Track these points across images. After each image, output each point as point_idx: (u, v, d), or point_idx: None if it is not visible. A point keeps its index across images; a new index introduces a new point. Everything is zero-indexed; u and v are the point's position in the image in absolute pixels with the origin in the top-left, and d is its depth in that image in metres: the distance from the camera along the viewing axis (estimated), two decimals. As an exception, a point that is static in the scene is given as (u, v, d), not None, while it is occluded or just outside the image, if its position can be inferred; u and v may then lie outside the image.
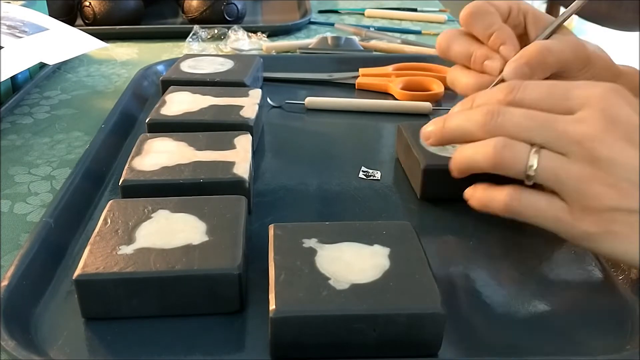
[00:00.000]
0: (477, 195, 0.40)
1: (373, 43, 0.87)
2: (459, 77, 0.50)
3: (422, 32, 0.96)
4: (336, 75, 0.70)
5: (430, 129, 0.42)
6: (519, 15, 0.50)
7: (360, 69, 0.70)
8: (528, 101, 0.38)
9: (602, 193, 0.35)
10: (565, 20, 0.49)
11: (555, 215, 0.37)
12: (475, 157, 0.38)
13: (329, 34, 0.82)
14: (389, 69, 0.70)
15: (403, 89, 0.66)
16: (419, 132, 0.50)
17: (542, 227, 0.38)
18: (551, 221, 0.37)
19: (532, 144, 0.37)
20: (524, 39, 0.50)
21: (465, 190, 0.41)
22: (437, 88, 0.65)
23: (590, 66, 0.47)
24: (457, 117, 0.40)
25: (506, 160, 0.37)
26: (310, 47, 0.82)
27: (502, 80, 0.45)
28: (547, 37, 0.48)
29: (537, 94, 0.38)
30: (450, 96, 0.66)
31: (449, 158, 0.45)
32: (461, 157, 0.40)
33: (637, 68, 0.62)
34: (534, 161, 0.36)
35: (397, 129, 0.52)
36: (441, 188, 0.46)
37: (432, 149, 0.47)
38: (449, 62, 0.72)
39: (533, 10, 0.51)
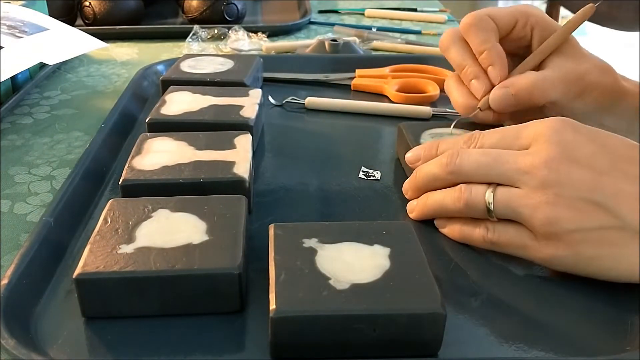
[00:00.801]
0: (453, 226, 0.42)
1: (374, 44, 0.87)
2: (452, 91, 0.53)
3: (422, 32, 0.96)
4: (332, 76, 0.70)
5: (407, 184, 0.46)
6: (526, 27, 0.51)
7: (357, 70, 0.70)
8: (487, 146, 0.41)
9: (557, 216, 0.36)
10: (567, 35, 0.49)
11: (524, 244, 0.39)
12: (445, 201, 0.41)
13: (327, 37, 0.82)
14: (385, 70, 0.70)
15: (398, 90, 0.66)
16: (419, 132, 0.50)
17: (518, 256, 0.40)
18: (521, 250, 0.39)
19: (490, 184, 0.39)
20: (528, 51, 0.50)
21: (439, 224, 0.43)
22: (433, 90, 0.65)
23: (584, 97, 0.49)
24: (426, 166, 0.43)
25: (470, 202, 0.40)
26: (307, 51, 0.82)
27: (488, 104, 0.49)
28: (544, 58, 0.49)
29: (493, 139, 0.41)
30: (445, 98, 0.66)
31: None
32: (432, 202, 0.43)
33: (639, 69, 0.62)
34: (490, 198, 0.39)
35: (398, 129, 0.52)
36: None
37: None
38: (446, 64, 0.73)
39: (543, 22, 0.50)
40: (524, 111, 0.50)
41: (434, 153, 0.44)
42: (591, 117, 0.50)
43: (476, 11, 0.50)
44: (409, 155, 0.46)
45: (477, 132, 0.42)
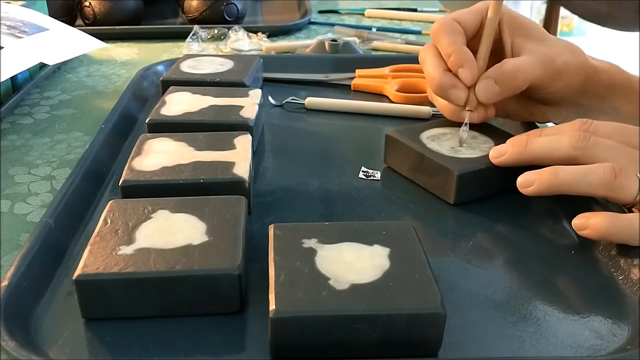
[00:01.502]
0: (604, 223, 0.39)
1: (374, 44, 0.87)
2: (436, 100, 0.53)
3: (422, 32, 0.96)
4: (332, 76, 0.70)
5: (504, 147, 0.45)
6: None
7: (356, 70, 0.70)
8: (601, 134, 0.41)
9: None
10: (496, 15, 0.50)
11: None
12: (588, 178, 0.39)
13: (327, 37, 0.82)
14: (385, 70, 0.70)
15: (398, 90, 0.66)
16: (416, 136, 0.49)
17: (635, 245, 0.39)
18: None
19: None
20: (498, 44, 0.51)
21: (582, 221, 0.40)
22: None
23: (560, 77, 0.50)
24: (541, 140, 0.43)
25: (624, 184, 0.39)
26: (307, 51, 0.82)
27: (476, 102, 0.49)
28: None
29: (609, 129, 0.41)
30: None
31: (471, 159, 0.46)
32: (569, 174, 0.40)
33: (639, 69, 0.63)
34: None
35: (387, 138, 0.51)
36: (473, 191, 0.46)
37: (447, 153, 0.47)
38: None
39: (508, 14, 0.52)
40: (508, 102, 0.52)
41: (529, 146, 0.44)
42: (568, 98, 0.52)
43: (442, 17, 0.52)
44: (521, 180, 0.43)
45: (586, 120, 0.42)
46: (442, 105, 0.52)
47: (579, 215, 0.40)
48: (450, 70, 0.49)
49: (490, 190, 0.47)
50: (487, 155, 0.46)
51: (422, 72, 0.69)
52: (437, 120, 0.53)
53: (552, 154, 0.42)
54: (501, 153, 0.45)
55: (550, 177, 0.41)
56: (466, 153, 0.47)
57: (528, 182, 0.42)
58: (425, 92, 0.65)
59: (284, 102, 0.64)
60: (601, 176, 0.39)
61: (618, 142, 0.41)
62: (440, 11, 1.05)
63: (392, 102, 0.65)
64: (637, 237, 0.38)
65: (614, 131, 0.41)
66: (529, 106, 0.55)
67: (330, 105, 0.63)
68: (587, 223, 0.40)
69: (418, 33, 0.95)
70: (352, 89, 0.69)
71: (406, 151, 0.49)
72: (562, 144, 0.42)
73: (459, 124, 0.50)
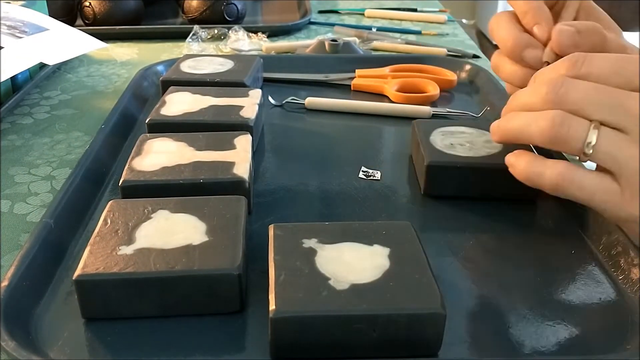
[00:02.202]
0: (522, 166, 0.38)
1: (374, 44, 0.87)
2: (503, 64, 0.48)
3: (422, 32, 0.96)
4: (332, 76, 0.70)
5: (495, 122, 0.42)
6: None
7: (356, 70, 0.70)
8: (595, 76, 0.36)
9: None
10: None
11: (606, 197, 0.36)
12: (529, 129, 0.37)
13: (327, 37, 0.82)
14: (385, 70, 0.70)
15: (398, 90, 0.66)
16: (430, 129, 0.50)
17: (588, 206, 0.37)
18: (599, 202, 0.36)
19: (591, 120, 0.35)
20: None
21: (508, 156, 0.40)
22: (433, 90, 0.65)
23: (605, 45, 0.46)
24: (521, 94, 0.40)
25: (563, 136, 0.36)
26: (307, 51, 0.82)
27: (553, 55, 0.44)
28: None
29: (604, 69, 0.36)
30: (445, 98, 0.67)
31: (454, 155, 0.46)
32: (512, 126, 0.39)
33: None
34: (592, 137, 0.35)
35: (412, 126, 0.52)
36: (444, 185, 0.47)
37: (439, 146, 0.47)
38: (446, 64, 0.73)
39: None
40: None
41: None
42: None
43: None
44: (491, 128, 0.42)
45: (580, 54, 0.37)
46: (509, 73, 0.48)
47: (513, 152, 0.39)
48: (525, 32, 0.46)
49: (471, 191, 0.47)
50: (478, 156, 0.46)
51: (422, 72, 0.70)
52: (467, 119, 0.52)
53: (527, 110, 0.39)
54: (493, 130, 0.42)
55: (502, 123, 0.40)
56: (459, 151, 0.47)
57: (493, 130, 0.42)
58: (426, 92, 0.66)
59: (284, 102, 0.64)
60: (539, 127, 0.36)
61: (609, 83, 0.36)
62: (440, 11, 1.05)
63: (392, 102, 0.65)
64: (550, 187, 0.37)
65: (611, 66, 0.36)
66: None
67: (330, 105, 0.63)
68: (512, 161, 0.39)
69: (418, 33, 0.95)
70: (352, 89, 0.69)
71: (416, 140, 0.50)
72: (534, 99, 0.38)
73: (481, 127, 0.50)
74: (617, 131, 0.35)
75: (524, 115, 0.38)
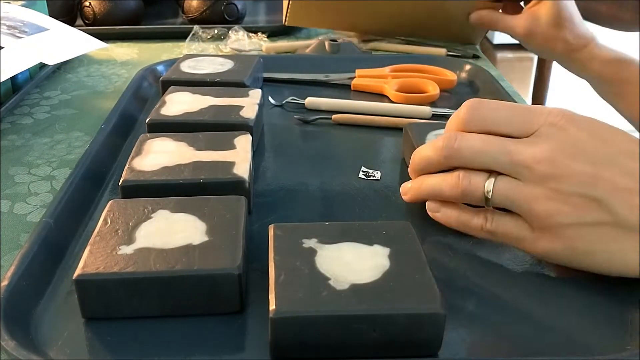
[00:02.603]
0: (453, 217, 0.42)
1: (374, 44, 0.87)
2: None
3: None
4: (333, 76, 0.70)
5: (407, 187, 0.45)
6: None
7: (357, 70, 0.70)
8: (490, 122, 0.39)
9: (554, 210, 0.36)
10: None
11: (521, 236, 0.39)
12: (441, 186, 0.41)
13: (327, 37, 0.82)
14: (385, 70, 0.70)
15: (398, 90, 0.66)
16: (424, 132, 0.50)
17: (514, 247, 0.40)
18: (516, 241, 0.39)
19: (491, 172, 0.39)
20: None
21: (431, 207, 0.43)
22: (433, 90, 0.66)
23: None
24: (422, 148, 0.43)
25: (467, 189, 0.39)
26: (307, 51, 0.82)
27: None
28: None
29: (500, 116, 0.39)
30: (445, 98, 0.67)
31: None
32: (426, 186, 0.42)
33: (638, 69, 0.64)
34: (490, 187, 0.39)
35: (404, 129, 0.52)
36: None
37: None
38: (446, 64, 0.73)
39: None
40: None
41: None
42: None
43: None
44: (401, 189, 0.45)
45: (478, 100, 0.41)
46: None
47: (449, 209, 0.42)
48: None
49: None
50: None
51: (422, 72, 0.70)
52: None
53: (429, 167, 0.42)
54: (405, 191, 0.45)
55: (416, 185, 0.43)
56: None
57: (404, 191, 0.45)
58: (425, 92, 0.66)
59: (284, 102, 0.64)
60: (449, 184, 0.40)
61: (502, 130, 0.39)
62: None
63: (392, 102, 0.65)
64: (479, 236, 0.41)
65: (505, 117, 0.39)
66: None
67: (330, 105, 0.63)
68: (439, 216, 0.43)
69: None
70: (352, 89, 0.69)
71: (410, 143, 0.50)
72: (431, 155, 0.41)
73: None
74: (510, 178, 0.38)
75: (434, 177, 0.42)
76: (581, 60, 0.74)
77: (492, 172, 0.39)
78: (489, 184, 0.39)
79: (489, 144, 0.39)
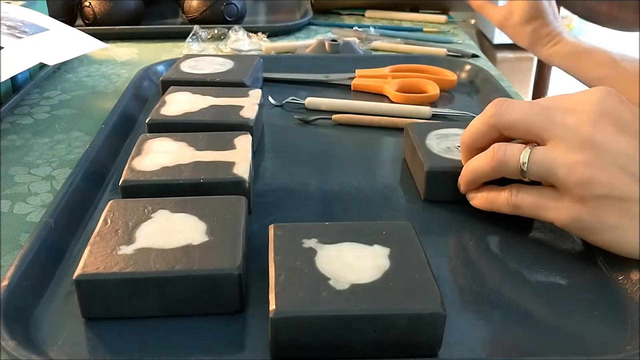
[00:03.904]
0: (481, 194, 0.43)
1: (374, 44, 0.87)
2: None
3: (424, 29, 0.96)
4: (332, 76, 0.70)
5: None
6: None
7: (356, 70, 0.70)
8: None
9: (593, 179, 0.36)
10: None
11: (549, 205, 0.39)
12: (478, 164, 0.42)
13: (327, 37, 0.82)
14: (385, 70, 0.70)
15: (398, 90, 0.66)
16: (425, 132, 0.50)
17: (542, 220, 0.40)
18: (545, 212, 0.39)
19: (527, 144, 0.39)
20: None
21: (470, 197, 0.44)
22: (433, 90, 0.66)
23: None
24: (470, 125, 0.43)
25: (502, 161, 0.40)
26: (307, 51, 0.82)
27: None
28: None
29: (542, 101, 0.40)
30: (445, 98, 0.67)
31: (452, 160, 0.46)
32: (467, 170, 0.43)
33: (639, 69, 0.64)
34: (525, 157, 0.39)
35: (405, 129, 0.52)
36: (444, 190, 0.46)
37: (436, 151, 0.47)
38: (446, 64, 0.73)
39: None
40: None
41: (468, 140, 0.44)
42: None
43: None
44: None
45: (502, 100, 0.41)
46: None
47: (479, 189, 0.43)
48: None
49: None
50: None
51: (422, 72, 0.70)
52: (458, 122, 0.53)
53: (477, 139, 0.42)
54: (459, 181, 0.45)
55: (463, 171, 0.44)
56: (457, 154, 0.46)
57: (460, 182, 0.45)
58: (425, 92, 0.66)
59: (284, 102, 0.64)
60: (486, 158, 0.41)
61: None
62: (441, 12, 1.05)
63: (392, 102, 0.65)
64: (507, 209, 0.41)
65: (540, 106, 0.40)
66: None
67: (330, 105, 0.63)
68: (471, 195, 0.44)
69: (419, 30, 0.95)
70: (352, 89, 0.69)
71: (410, 143, 0.50)
72: (480, 126, 0.42)
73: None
74: (548, 147, 0.38)
75: (473, 159, 0.43)
76: (544, 54, 0.81)
77: (528, 144, 0.39)
78: (525, 154, 0.39)
79: (534, 106, 0.39)
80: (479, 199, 0.43)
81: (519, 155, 0.39)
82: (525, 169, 0.39)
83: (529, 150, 0.39)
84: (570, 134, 0.37)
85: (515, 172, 0.39)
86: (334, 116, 0.60)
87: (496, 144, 0.40)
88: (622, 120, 0.37)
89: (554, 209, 0.39)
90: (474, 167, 0.42)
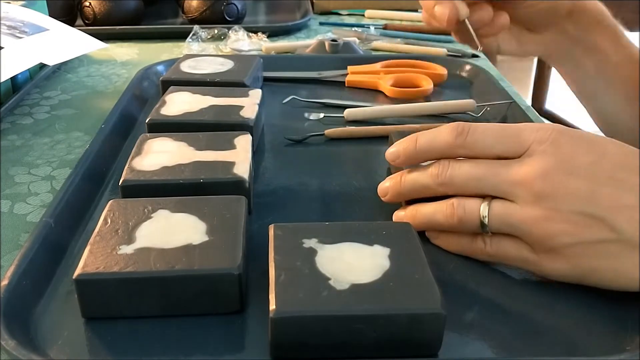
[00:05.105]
0: (452, 242, 0.41)
1: (374, 44, 0.87)
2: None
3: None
4: (325, 73, 0.70)
5: (386, 184, 0.43)
6: None
7: (348, 67, 0.71)
8: (480, 147, 0.38)
9: (555, 231, 0.35)
10: None
11: (523, 257, 0.38)
12: (437, 216, 0.40)
13: (327, 38, 0.82)
14: (377, 66, 0.71)
15: (393, 85, 0.66)
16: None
17: (518, 268, 0.39)
18: (521, 263, 0.38)
19: (484, 197, 0.38)
20: None
21: (431, 235, 0.42)
22: (426, 84, 0.66)
23: None
24: (413, 174, 0.41)
25: (463, 216, 0.38)
26: (307, 51, 0.82)
27: None
28: None
29: (488, 140, 0.38)
30: (438, 92, 0.67)
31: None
32: (421, 217, 0.41)
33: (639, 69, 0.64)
34: (485, 212, 0.38)
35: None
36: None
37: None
38: (440, 61, 0.73)
39: None
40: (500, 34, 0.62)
41: (413, 147, 0.41)
42: (554, 22, 0.62)
43: None
44: (389, 153, 0.43)
45: (465, 125, 0.39)
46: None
47: (448, 235, 0.41)
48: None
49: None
50: None
51: (412, 67, 0.70)
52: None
53: (422, 192, 0.41)
54: (384, 192, 0.44)
55: (409, 214, 0.42)
56: None
57: (398, 220, 0.43)
58: (419, 87, 0.66)
59: (322, 116, 0.64)
60: (445, 214, 0.39)
61: (493, 152, 0.38)
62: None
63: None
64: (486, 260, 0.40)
65: (494, 140, 0.38)
66: (518, 36, 0.63)
67: (369, 114, 0.60)
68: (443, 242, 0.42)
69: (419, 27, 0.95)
70: (346, 85, 0.69)
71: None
72: (426, 180, 0.40)
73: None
74: (505, 201, 0.37)
75: (427, 207, 0.41)
76: None
77: (486, 197, 0.38)
78: (484, 209, 0.37)
79: (480, 167, 0.38)
80: (447, 243, 0.41)
81: (479, 210, 0.38)
82: (486, 224, 0.37)
83: (487, 204, 0.37)
84: (522, 190, 0.36)
85: (477, 227, 0.38)
86: (327, 131, 0.57)
87: (455, 201, 0.39)
88: (573, 165, 0.36)
89: (531, 261, 0.37)
90: (429, 219, 0.40)
